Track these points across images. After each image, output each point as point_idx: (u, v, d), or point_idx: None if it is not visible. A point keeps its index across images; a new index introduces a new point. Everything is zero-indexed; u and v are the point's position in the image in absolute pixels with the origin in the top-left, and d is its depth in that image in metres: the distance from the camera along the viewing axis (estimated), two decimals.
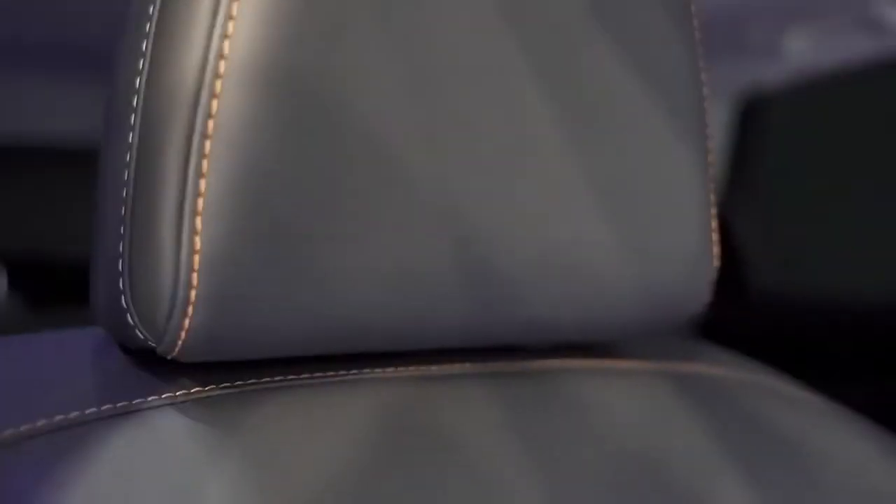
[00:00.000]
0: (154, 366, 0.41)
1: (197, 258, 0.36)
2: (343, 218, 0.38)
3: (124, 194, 0.37)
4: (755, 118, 1.60)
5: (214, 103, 0.36)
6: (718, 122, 1.56)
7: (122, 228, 0.37)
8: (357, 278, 0.38)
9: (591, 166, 0.43)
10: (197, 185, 0.36)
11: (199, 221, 0.36)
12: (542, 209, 0.42)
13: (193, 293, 0.36)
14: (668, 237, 0.45)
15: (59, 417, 0.37)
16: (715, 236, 0.47)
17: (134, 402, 0.39)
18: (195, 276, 0.36)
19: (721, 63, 1.49)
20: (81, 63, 1.57)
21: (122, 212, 0.37)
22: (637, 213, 0.44)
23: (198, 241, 0.36)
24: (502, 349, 0.47)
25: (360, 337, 0.40)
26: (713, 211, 0.47)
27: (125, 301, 0.38)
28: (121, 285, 0.37)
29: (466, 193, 0.40)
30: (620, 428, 0.46)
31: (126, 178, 0.37)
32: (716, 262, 0.48)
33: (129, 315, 0.38)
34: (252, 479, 0.37)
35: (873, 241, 1.89)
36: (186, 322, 0.37)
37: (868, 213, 1.89)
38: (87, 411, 0.38)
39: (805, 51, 1.41)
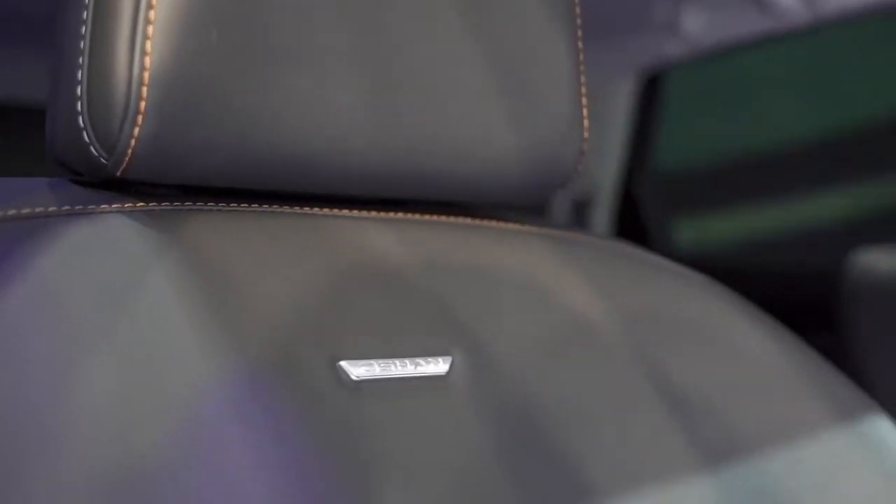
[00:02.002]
0: (106, 188, 0.48)
1: (146, 75, 0.44)
2: (268, 59, 0.46)
3: (83, 31, 0.45)
4: (657, 91, 1.71)
5: None
6: (624, 97, 1.66)
7: (80, 59, 0.45)
8: (279, 111, 0.47)
9: (477, 47, 0.52)
10: (147, 14, 0.44)
11: (148, 44, 0.44)
12: (439, 79, 0.51)
13: (143, 104, 0.44)
14: (542, 109, 0.54)
15: (12, 212, 0.45)
16: (585, 111, 0.56)
17: (88, 206, 0.46)
18: (145, 89, 0.44)
19: (625, 40, 1.60)
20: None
21: (81, 45, 0.45)
22: (517, 87, 0.53)
23: (147, 60, 0.44)
24: (400, 203, 0.55)
25: (282, 172, 0.48)
26: (583, 89, 0.56)
27: (82, 121, 0.45)
28: (79, 107, 0.45)
29: (377, 57, 0.49)
30: (505, 274, 0.55)
31: (84, 16, 0.45)
32: (586, 135, 0.56)
33: (84, 133, 0.45)
34: (192, 278, 0.45)
35: (768, 206, 2.02)
36: (136, 131, 0.45)
37: (762, 178, 2.02)
38: (48, 209, 0.45)
39: (702, 28, 1.53)
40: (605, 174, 1.68)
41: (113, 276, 0.44)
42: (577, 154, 0.57)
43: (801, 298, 1.39)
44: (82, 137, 0.46)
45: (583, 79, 0.56)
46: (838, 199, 1.94)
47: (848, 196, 1.90)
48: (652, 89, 1.70)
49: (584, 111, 0.57)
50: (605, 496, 0.52)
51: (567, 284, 0.56)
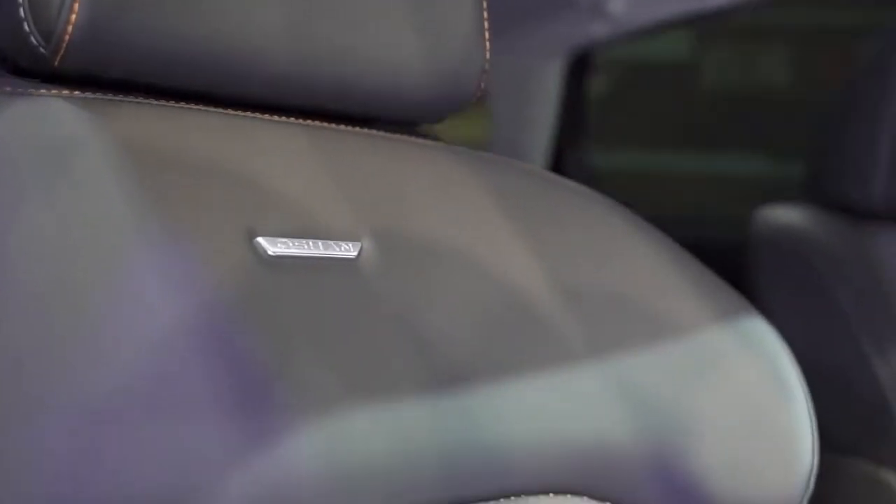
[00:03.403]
0: (44, 79, 0.53)
1: None
2: None
3: None
4: (585, 71, 1.78)
5: None
6: (553, 77, 1.73)
7: None
8: (205, 11, 0.52)
9: None
10: None
11: None
12: None
13: None
14: (448, 30, 0.61)
15: None
16: (487, 34, 0.62)
17: (28, 90, 0.51)
18: None
19: (552, 22, 1.68)
20: None
21: None
22: (425, 9, 0.60)
23: None
24: (316, 115, 0.60)
25: (207, 71, 0.54)
26: (485, 14, 0.62)
27: (23, 11, 0.49)
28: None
29: None
30: (413, 176, 0.60)
31: None
32: (487, 55, 0.62)
33: (25, 23, 0.50)
34: (124, 154, 0.50)
35: (688, 175, 2.10)
36: (73, 18, 0.49)
37: (684, 149, 2.10)
38: None
39: (626, 9, 1.61)
40: (535, 152, 1.74)
41: (51, 145, 0.49)
42: (479, 73, 0.63)
43: (714, 256, 1.48)
44: (22, 28, 0.50)
45: (484, 4, 0.63)
46: (750, 163, 2.03)
47: (757, 158, 2.00)
48: (579, 69, 1.77)
49: (487, 34, 0.63)
50: (498, 375, 0.57)
51: (471, 188, 0.62)
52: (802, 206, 1.31)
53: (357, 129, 0.61)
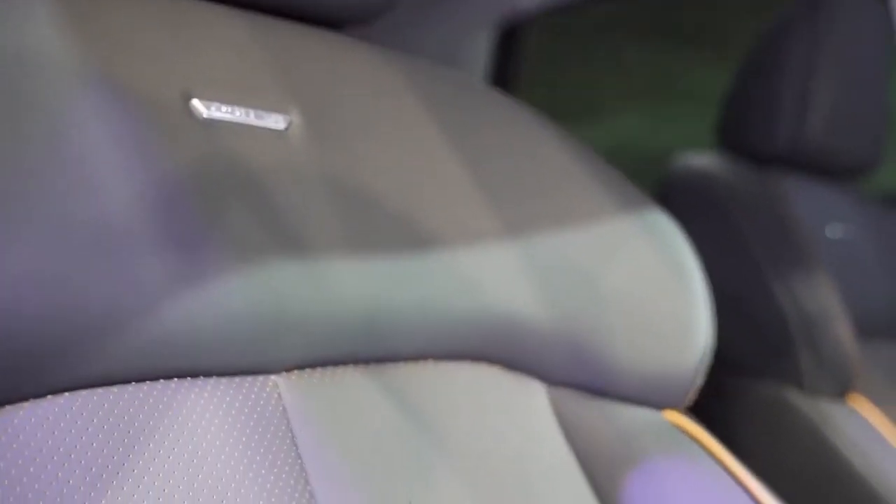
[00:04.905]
0: None
1: None
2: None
3: None
4: (514, 43, 1.84)
5: None
6: (482, 49, 1.78)
7: None
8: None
9: None
10: None
11: None
12: None
13: None
14: None
15: None
16: None
17: None
18: None
19: None
20: None
21: None
22: None
23: None
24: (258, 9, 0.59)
25: None
26: None
27: None
28: None
29: None
30: (347, 63, 0.62)
31: None
32: None
33: None
34: (67, 16, 0.50)
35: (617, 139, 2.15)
36: None
37: (613, 115, 2.15)
38: None
39: None
40: None
41: None
42: None
43: None
44: None
45: None
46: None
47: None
48: (508, 41, 1.83)
49: None
50: (419, 244, 0.59)
51: (399, 78, 0.64)
52: (715, 154, 1.40)
53: (295, 22, 0.63)
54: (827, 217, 1.43)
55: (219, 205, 0.51)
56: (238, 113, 0.54)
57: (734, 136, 1.39)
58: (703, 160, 1.36)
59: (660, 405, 0.70)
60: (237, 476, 0.50)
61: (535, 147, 0.68)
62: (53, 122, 0.48)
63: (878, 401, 1.31)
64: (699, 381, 0.70)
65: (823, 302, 1.27)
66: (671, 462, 0.67)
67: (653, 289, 0.69)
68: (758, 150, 1.37)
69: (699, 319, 0.70)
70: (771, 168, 1.37)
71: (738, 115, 1.39)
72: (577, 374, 0.66)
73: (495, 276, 0.62)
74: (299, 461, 0.52)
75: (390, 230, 0.58)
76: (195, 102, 0.53)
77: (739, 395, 1.26)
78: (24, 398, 0.46)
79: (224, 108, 0.54)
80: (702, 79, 2.06)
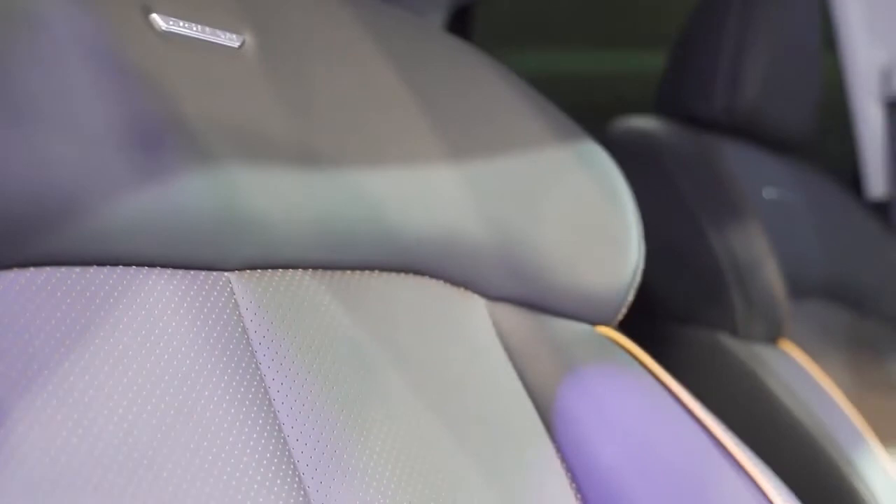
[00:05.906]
0: None
1: None
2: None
3: None
4: (466, 23, 1.89)
5: None
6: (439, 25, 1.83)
7: None
8: None
9: None
10: None
11: None
12: None
13: None
14: None
15: None
16: None
17: None
18: None
19: None
20: None
21: None
22: None
23: None
24: None
25: None
26: None
27: None
28: None
29: None
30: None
31: None
32: None
33: None
34: None
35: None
36: None
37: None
38: None
39: None
40: None
41: None
42: None
43: None
44: None
45: None
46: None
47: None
48: (461, 21, 1.88)
49: None
50: (368, 158, 0.62)
51: (353, 9, 0.66)
52: (653, 118, 1.46)
53: None
54: (764, 181, 1.49)
55: (177, 110, 0.54)
56: (195, 28, 0.57)
57: (673, 103, 1.45)
58: (642, 122, 1.42)
59: (594, 321, 0.74)
60: (191, 355, 0.53)
61: (480, 80, 0.72)
62: (27, 17, 0.51)
63: (810, 358, 1.38)
64: (630, 297, 0.74)
65: (755, 249, 1.33)
66: (605, 370, 0.70)
67: (588, 210, 0.72)
68: (696, 116, 1.43)
69: (631, 239, 0.73)
70: (708, 132, 1.43)
71: (675, 82, 1.45)
72: (515, 289, 0.69)
73: (439, 194, 0.65)
74: (250, 349, 0.55)
75: (339, 144, 0.61)
76: (154, 16, 0.56)
77: (676, 341, 1.31)
78: None
79: (182, 24, 0.57)
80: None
